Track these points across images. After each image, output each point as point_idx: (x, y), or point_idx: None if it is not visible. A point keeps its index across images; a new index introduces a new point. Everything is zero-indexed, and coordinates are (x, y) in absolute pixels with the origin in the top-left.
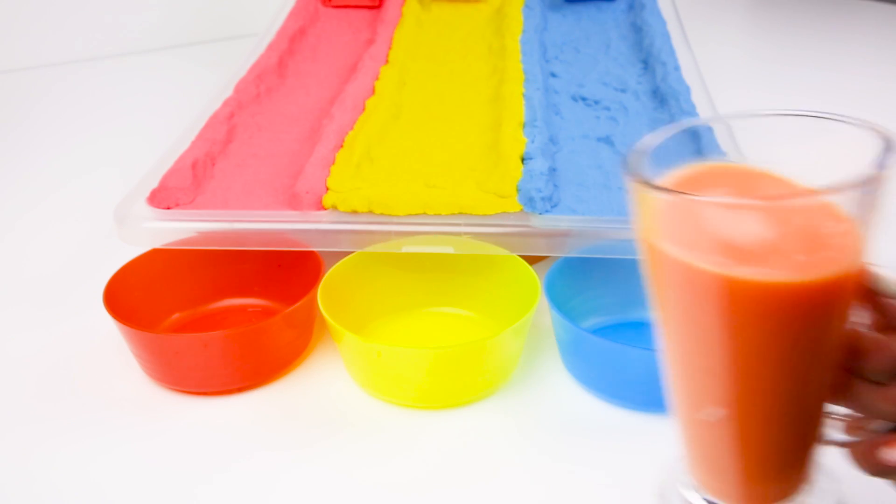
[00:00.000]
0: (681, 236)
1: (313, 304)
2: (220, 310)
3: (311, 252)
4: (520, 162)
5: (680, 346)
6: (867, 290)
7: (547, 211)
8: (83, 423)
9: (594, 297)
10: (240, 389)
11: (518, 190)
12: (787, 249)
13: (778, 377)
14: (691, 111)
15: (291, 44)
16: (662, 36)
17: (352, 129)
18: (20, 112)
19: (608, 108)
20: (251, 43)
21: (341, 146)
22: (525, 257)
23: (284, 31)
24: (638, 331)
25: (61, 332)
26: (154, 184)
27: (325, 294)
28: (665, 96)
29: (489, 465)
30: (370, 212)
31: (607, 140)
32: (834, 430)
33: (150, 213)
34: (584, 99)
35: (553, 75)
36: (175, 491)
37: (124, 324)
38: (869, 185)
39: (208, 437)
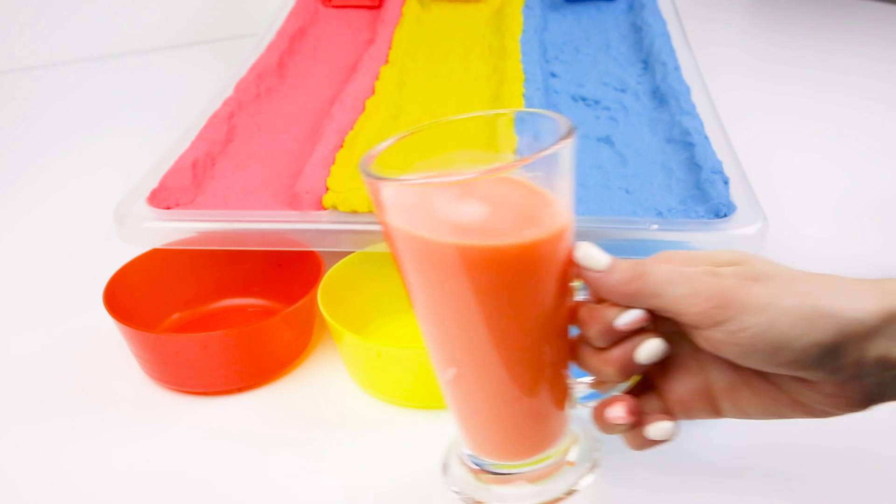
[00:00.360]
0: (408, 215)
1: (313, 304)
2: (220, 310)
3: (311, 252)
4: None
5: (424, 315)
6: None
7: None
8: (83, 423)
9: None
10: (240, 389)
11: None
12: (494, 220)
13: (501, 337)
14: (691, 111)
15: (291, 44)
16: (662, 36)
17: (352, 129)
18: (20, 112)
19: (608, 108)
20: (251, 43)
21: (341, 146)
22: None
23: (284, 31)
24: None
25: (61, 332)
26: (154, 184)
27: (325, 294)
28: (665, 96)
29: None
30: (370, 212)
31: (607, 140)
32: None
33: (150, 213)
34: (584, 99)
35: (553, 75)
36: (175, 491)
37: (124, 324)
38: (541, 162)
39: (208, 437)
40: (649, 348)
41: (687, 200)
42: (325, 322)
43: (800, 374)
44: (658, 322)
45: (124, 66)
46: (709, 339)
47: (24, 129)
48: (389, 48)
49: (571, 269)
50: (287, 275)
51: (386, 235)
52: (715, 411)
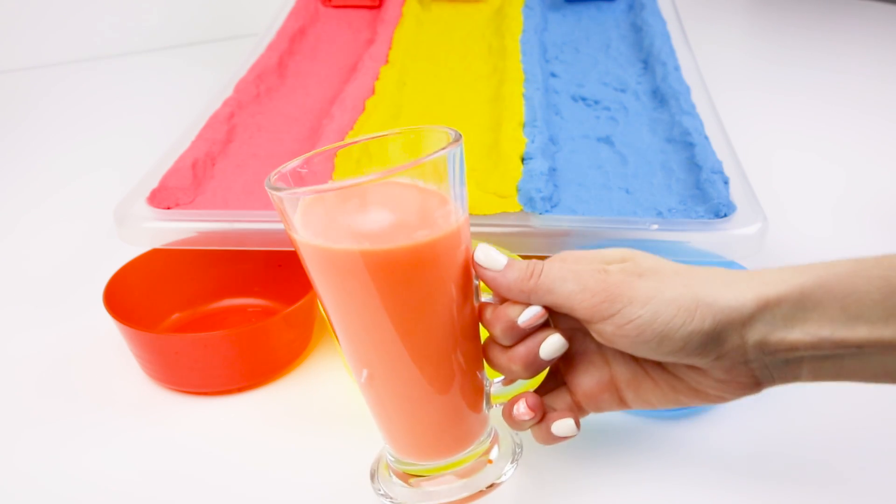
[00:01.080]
0: (308, 225)
1: (313, 304)
2: (220, 310)
3: None
4: (520, 162)
5: (334, 318)
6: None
7: (547, 211)
8: (83, 423)
9: None
10: (240, 389)
11: (518, 190)
12: (389, 224)
13: (406, 337)
14: (691, 111)
15: (291, 44)
16: (662, 36)
17: (352, 129)
18: (20, 112)
19: (608, 108)
20: (251, 43)
21: None
22: (525, 257)
23: (284, 31)
24: None
25: (61, 332)
26: (154, 184)
27: None
28: (665, 96)
29: None
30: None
31: (607, 140)
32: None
33: (150, 213)
34: (584, 99)
35: (553, 75)
36: (175, 491)
37: (124, 324)
38: (429, 165)
39: (208, 437)
40: (551, 343)
41: (687, 200)
42: (325, 322)
43: (688, 361)
44: (561, 320)
45: (124, 66)
46: (601, 332)
47: (24, 129)
48: (389, 48)
49: (472, 271)
50: (287, 275)
51: (293, 245)
52: (621, 402)
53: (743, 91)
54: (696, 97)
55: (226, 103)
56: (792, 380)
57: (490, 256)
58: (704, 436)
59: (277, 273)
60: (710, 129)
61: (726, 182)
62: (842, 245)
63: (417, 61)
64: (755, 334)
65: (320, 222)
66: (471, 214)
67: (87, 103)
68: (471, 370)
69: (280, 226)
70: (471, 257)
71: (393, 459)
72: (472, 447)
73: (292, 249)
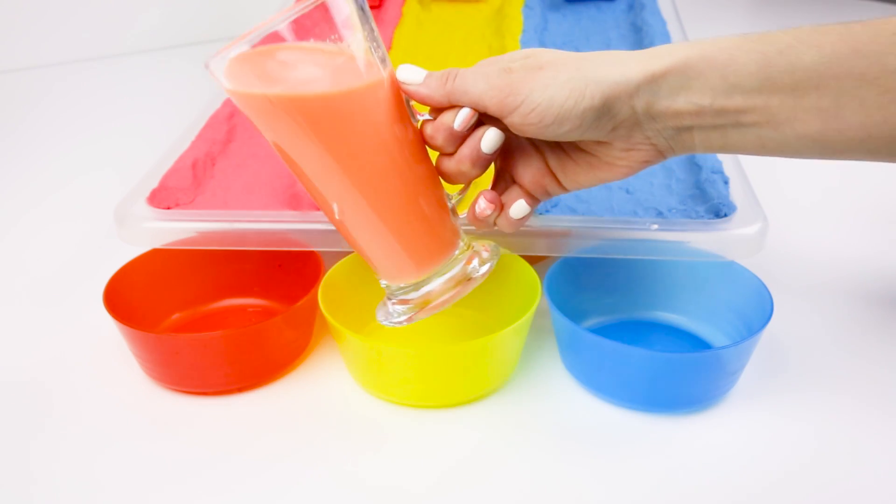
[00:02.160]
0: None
1: (313, 304)
2: (220, 310)
3: (311, 252)
4: None
5: (296, 170)
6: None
7: (547, 211)
8: (83, 423)
9: (594, 297)
10: (240, 389)
11: None
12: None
13: (360, 172)
14: None
15: None
16: (662, 36)
17: None
18: (20, 112)
19: None
20: None
21: None
22: (525, 257)
23: None
24: (638, 331)
25: (61, 332)
26: (154, 184)
27: (325, 294)
28: None
29: (489, 464)
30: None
31: None
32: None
33: (150, 213)
34: None
35: None
36: (175, 491)
37: (124, 324)
38: (318, 15)
39: (208, 437)
40: (489, 138)
41: (687, 200)
42: (326, 322)
43: (590, 136)
44: (494, 122)
45: (124, 66)
46: (511, 124)
47: (24, 129)
48: (389, 48)
49: (402, 96)
50: (287, 275)
51: (257, 112)
52: (560, 186)
53: None
54: None
55: (226, 103)
56: (688, 149)
57: (409, 71)
58: (704, 436)
59: (277, 273)
60: None
61: (726, 182)
62: (842, 245)
63: (417, 61)
64: (641, 103)
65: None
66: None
67: (87, 103)
68: (430, 187)
69: (280, 226)
70: (394, 77)
71: (388, 291)
72: (450, 256)
73: (292, 249)
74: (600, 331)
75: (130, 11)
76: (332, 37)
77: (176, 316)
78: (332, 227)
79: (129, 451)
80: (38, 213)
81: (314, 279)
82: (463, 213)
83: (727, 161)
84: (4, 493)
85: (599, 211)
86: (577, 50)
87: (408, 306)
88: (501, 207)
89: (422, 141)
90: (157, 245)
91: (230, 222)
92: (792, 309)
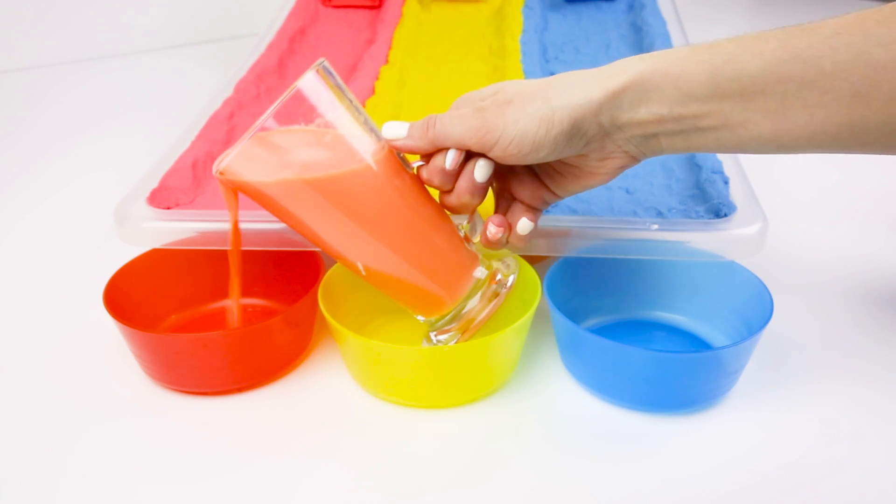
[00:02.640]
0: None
1: (313, 304)
2: (220, 310)
3: (312, 252)
4: None
5: (324, 243)
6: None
7: (547, 211)
8: (83, 423)
9: (594, 297)
10: (240, 389)
11: None
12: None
13: (374, 238)
14: None
15: (291, 44)
16: (662, 36)
17: None
18: (20, 112)
19: None
20: (251, 43)
21: None
22: (525, 257)
23: (284, 31)
24: (638, 331)
25: (61, 332)
26: (154, 184)
27: (326, 294)
28: None
29: (489, 464)
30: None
31: None
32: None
33: (150, 213)
34: None
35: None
36: (175, 491)
37: (124, 324)
38: (298, 101)
39: (208, 437)
40: (480, 168)
41: (687, 200)
42: (326, 322)
43: (567, 154)
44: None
45: (124, 66)
46: (494, 156)
47: (24, 129)
48: (389, 48)
49: (398, 158)
50: (287, 275)
51: (272, 207)
52: (556, 195)
53: None
54: None
55: (226, 103)
56: (658, 152)
57: (393, 128)
58: (704, 436)
59: (277, 273)
60: None
61: (726, 182)
62: (842, 245)
63: (417, 61)
64: (606, 118)
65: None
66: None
67: (87, 103)
68: (440, 224)
69: (280, 226)
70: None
71: (430, 325)
72: (474, 279)
73: (292, 249)
74: (600, 331)
75: (130, 11)
76: (318, 120)
77: (176, 316)
78: None
79: (129, 451)
80: (38, 214)
81: (314, 279)
82: (475, 238)
83: (727, 161)
84: (4, 492)
85: (599, 211)
86: (578, 50)
87: (451, 334)
88: (510, 227)
89: (421, 184)
90: (157, 245)
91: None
92: (792, 309)
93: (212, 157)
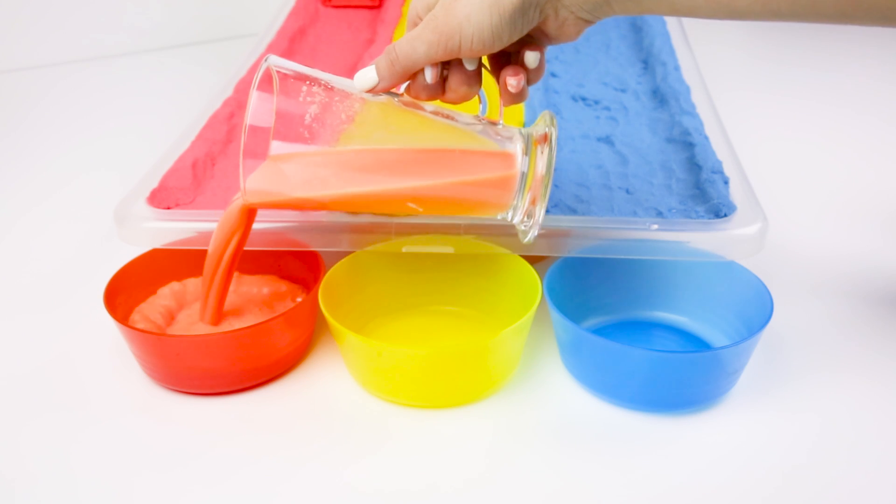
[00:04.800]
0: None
1: (313, 304)
2: None
3: (311, 252)
4: None
5: (373, 198)
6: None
7: (547, 211)
8: (83, 422)
9: (594, 297)
10: (240, 389)
11: None
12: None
13: (407, 163)
14: (691, 111)
15: (291, 44)
16: (662, 36)
17: None
18: (20, 112)
19: (608, 108)
20: (251, 43)
21: None
22: (525, 257)
23: (284, 31)
24: (638, 331)
25: (61, 332)
26: (154, 184)
27: (326, 294)
28: (665, 96)
29: (489, 464)
30: (370, 212)
31: (607, 140)
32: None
33: (150, 213)
34: (584, 99)
35: (553, 75)
36: (175, 491)
37: (124, 324)
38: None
39: (208, 437)
40: (457, 83)
41: (687, 200)
42: (326, 322)
43: (529, 29)
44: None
45: (124, 66)
46: (466, 56)
47: (24, 129)
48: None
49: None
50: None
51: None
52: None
53: (743, 91)
54: (696, 97)
55: (226, 103)
56: (609, 14)
57: (363, 79)
58: (704, 436)
59: (277, 273)
60: (710, 129)
61: (726, 182)
62: (842, 245)
63: None
64: None
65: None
66: (470, 215)
67: (87, 103)
68: (453, 132)
69: (280, 226)
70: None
71: (513, 217)
72: (518, 155)
73: (292, 249)
74: (600, 331)
75: (130, 11)
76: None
77: None
78: (332, 228)
79: (129, 451)
80: (38, 214)
81: (314, 279)
82: (499, 120)
83: (727, 161)
84: (4, 492)
85: (599, 211)
86: (577, 50)
87: (533, 207)
88: (525, 70)
89: (415, 105)
90: (157, 245)
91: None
92: (792, 309)
93: (212, 157)
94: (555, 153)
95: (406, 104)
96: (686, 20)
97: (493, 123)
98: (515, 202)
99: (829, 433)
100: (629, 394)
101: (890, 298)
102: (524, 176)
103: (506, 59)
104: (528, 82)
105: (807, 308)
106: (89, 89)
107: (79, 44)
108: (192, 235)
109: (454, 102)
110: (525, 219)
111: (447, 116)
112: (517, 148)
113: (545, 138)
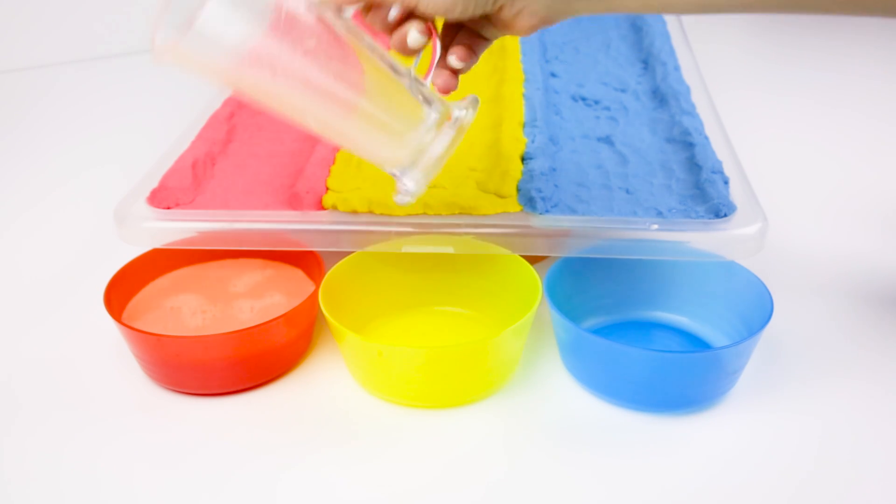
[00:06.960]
0: None
1: (313, 304)
2: None
3: (311, 252)
4: (520, 162)
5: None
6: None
7: (547, 211)
8: (83, 423)
9: (594, 297)
10: (240, 390)
11: (518, 190)
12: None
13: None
14: (691, 111)
15: None
16: (662, 36)
17: None
18: (20, 112)
19: (608, 108)
20: None
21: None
22: (525, 257)
23: None
24: (638, 331)
25: (61, 332)
26: (154, 184)
27: (326, 294)
28: (665, 96)
29: (489, 464)
30: (370, 212)
31: (607, 140)
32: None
33: (150, 213)
34: (584, 99)
35: (553, 75)
36: (175, 491)
37: (124, 324)
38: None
39: (208, 437)
40: (414, 29)
41: (687, 200)
42: (326, 322)
43: (485, 9)
44: None
45: (124, 66)
46: (423, 14)
47: (24, 128)
48: (389, 48)
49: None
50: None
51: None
52: (486, 40)
53: (743, 91)
54: (696, 97)
55: (226, 103)
56: (573, 13)
57: None
58: (704, 436)
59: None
60: (710, 129)
61: (726, 182)
62: (842, 245)
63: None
64: None
65: None
66: (471, 214)
67: (87, 103)
68: (378, 74)
69: (280, 226)
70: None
71: (396, 178)
72: (424, 122)
73: (292, 249)
74: (600, 331)
75: (130, 11)
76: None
77: None
78: (332, 227)
79: (129, 451)
80: (38, 213)
81: (314, 279)
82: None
83: (727, 161)
84: (6, 492)
85: (599, 211)
86: (577, 50)
87: (413, 174)
88: (474, 54)
89: (358, 35)
90: (157, 245)
91: (230, 222)
92: (792, 309)
93: (212, 157)
94: (461, 136)
95: (350, 29)
96: (686, 20)
97: (421, 83)
98: (406, 166)
99: (829, 433)
100: (629, 394)
101: (890, 298)
102: (424, 146)
103: (459, 31)
104: (462, 65)
105: (807, 308)
106: (89, 89)
107: (79, 44)
108: (192, 235)
109: (397, 49)
110: (407, 182)
111: (382, 57)
112: (431, 117)
113: (456, 120)
